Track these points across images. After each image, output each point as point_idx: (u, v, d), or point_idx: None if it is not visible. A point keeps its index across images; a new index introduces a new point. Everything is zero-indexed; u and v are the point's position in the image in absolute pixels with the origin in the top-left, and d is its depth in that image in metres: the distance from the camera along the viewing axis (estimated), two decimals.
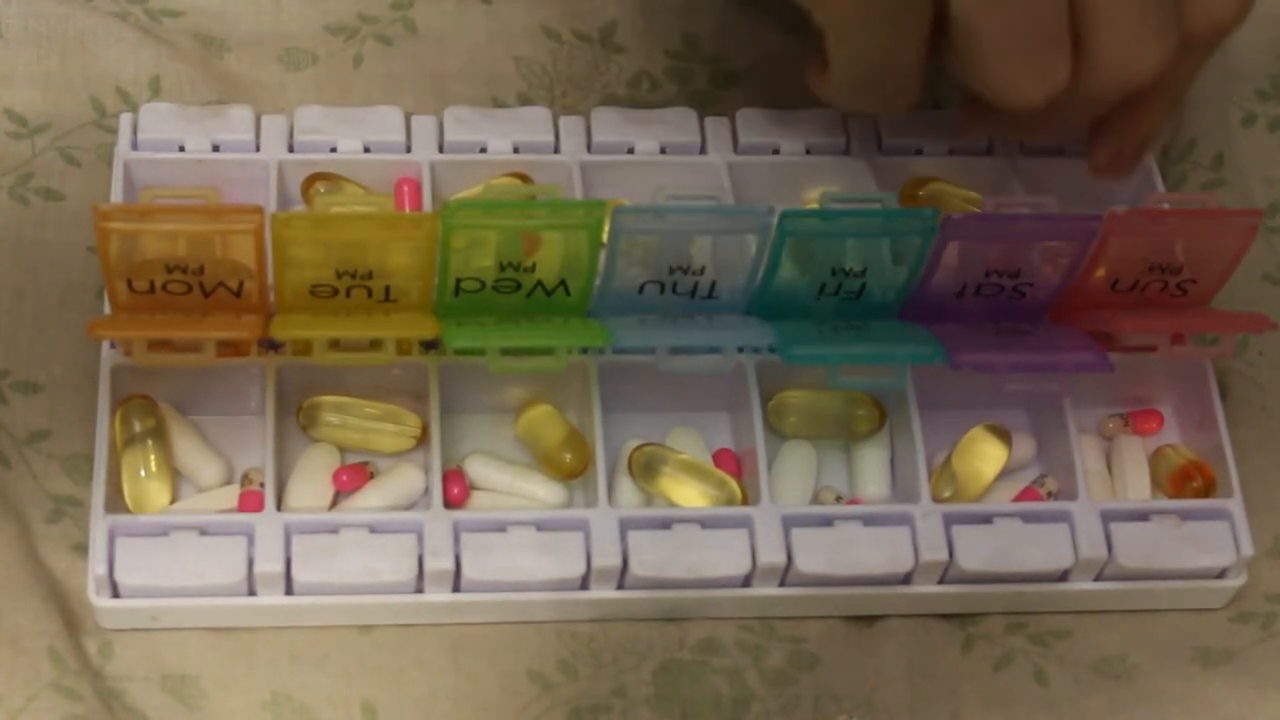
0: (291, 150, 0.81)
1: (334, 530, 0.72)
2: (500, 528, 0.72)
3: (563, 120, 0.83)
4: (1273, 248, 0.87)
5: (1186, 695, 0.73)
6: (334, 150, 0.81)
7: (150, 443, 0.74)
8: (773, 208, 0.71)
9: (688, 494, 0.75)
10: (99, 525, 0.71)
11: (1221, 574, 0.76)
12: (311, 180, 0.80)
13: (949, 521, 0.74)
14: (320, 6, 0.87)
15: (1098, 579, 0.75)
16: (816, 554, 0.73)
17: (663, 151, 0.82)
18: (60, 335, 0.78)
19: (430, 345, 0.75)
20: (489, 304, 0.73)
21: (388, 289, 0.71)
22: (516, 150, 0.82)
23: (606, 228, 0.71)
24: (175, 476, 0.75)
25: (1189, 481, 0.77)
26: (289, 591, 0.72)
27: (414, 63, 0.87)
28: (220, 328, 0.70)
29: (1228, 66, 0.91)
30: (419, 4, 0.88)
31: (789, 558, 0.73)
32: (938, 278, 0.73)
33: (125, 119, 0.80)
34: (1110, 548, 0.75)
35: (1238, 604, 0.77)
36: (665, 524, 0.73)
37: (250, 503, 0.73)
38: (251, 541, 0.71)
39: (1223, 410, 0.78)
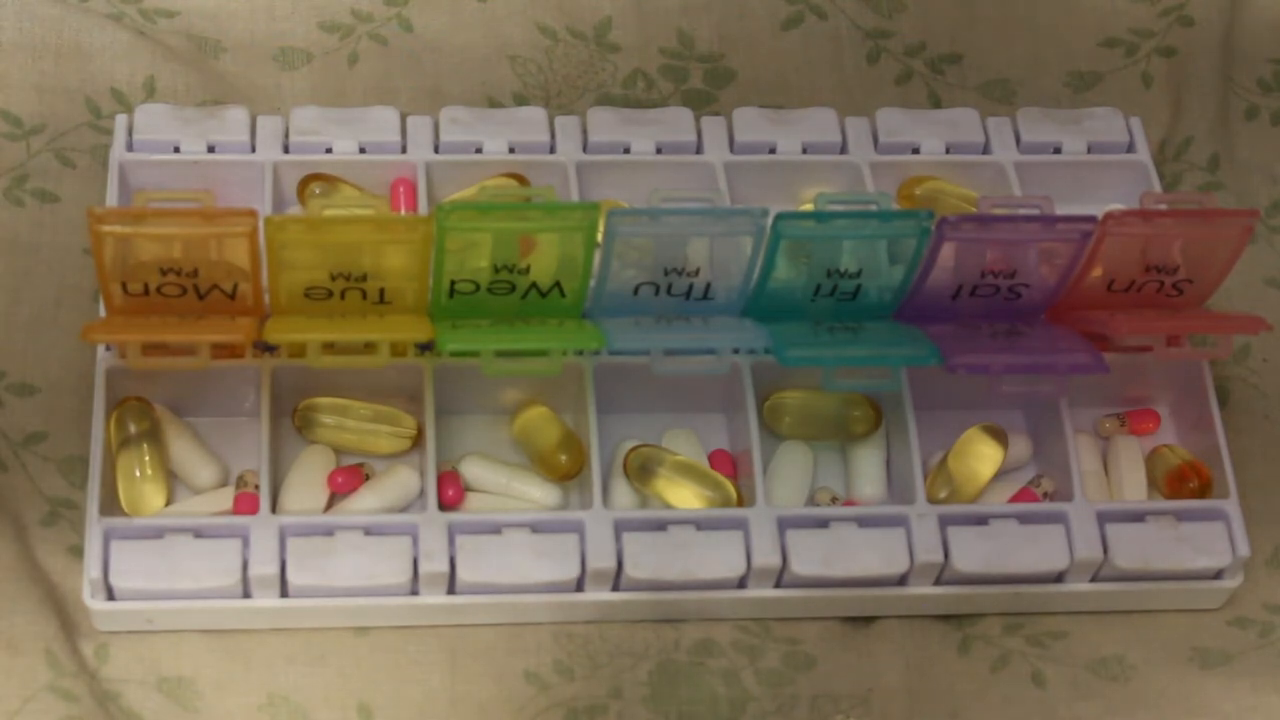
0: (287, 151, 0.81)
1: (329, 533, 0.72)
2: (495, 530, 0.72)
3: (558, 120, 0.83)
4: (1275, 249, 0.86)
5: (1184, 696, 0.73)
6: (329, 151, 0.81)
7: (145, 445, 0.74)
8: (768, 210, 0.71)
9: (683, 495, 0.75)
10: (94, 528, 0.71)
11: (1218, 575, 0.76)
12: (307, 181, 0.80)
13: (945, 523, 0.74)
14: (314, 4, 0.87)
15: (1094, 580, 0.75)
16: (812, 556, 0.73)
17: (659, 151, 0.82)
18: (56, 338, 0.78)
19: (426, 346, 0.75)
20: (483, 306, 0.72)
21: (382, 291, 0.71)
22: (512, 151, 0.82)
23: (601, 229, 0.70)
24: (171, 479, 0.75)
25: (1185, 482, 0.77)
26: (284, 594, 0.72)
27: (409, 62, 0.87)
28: (215, 330, 0.70)
29: (1230, 51, 0.91)
30: (414, 2, 0.88)
31: (784, 559, 0.73)
32: (933, 279, 0.73)
33: (120, 120, 0.80)
34: (1106, 549, 0.75)
35: (1235, 608, 0.77)
36: (660, 526, 0.73)
37: (245, 505, 0.73)
38: (247, 544, 0.71)
39: (1221, 415, 0.78)
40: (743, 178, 0.82)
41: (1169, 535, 0.75)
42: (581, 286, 0.72)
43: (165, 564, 0.70)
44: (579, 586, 0.73)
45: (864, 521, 0.74)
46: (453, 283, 0.71)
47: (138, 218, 0.68)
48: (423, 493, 0.74)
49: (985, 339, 0.74)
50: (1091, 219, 0.72)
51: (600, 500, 0.73)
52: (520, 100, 0.86)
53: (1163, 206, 0.74)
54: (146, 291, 0.71)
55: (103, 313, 0.72)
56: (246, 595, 0.72)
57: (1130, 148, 0.85)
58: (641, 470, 0.76)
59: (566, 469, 0.75)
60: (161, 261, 0.70)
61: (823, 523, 0.74)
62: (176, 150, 0.80)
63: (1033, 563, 0.74)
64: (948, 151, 0.84)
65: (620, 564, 0.72)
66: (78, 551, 0.73)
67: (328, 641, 0.73)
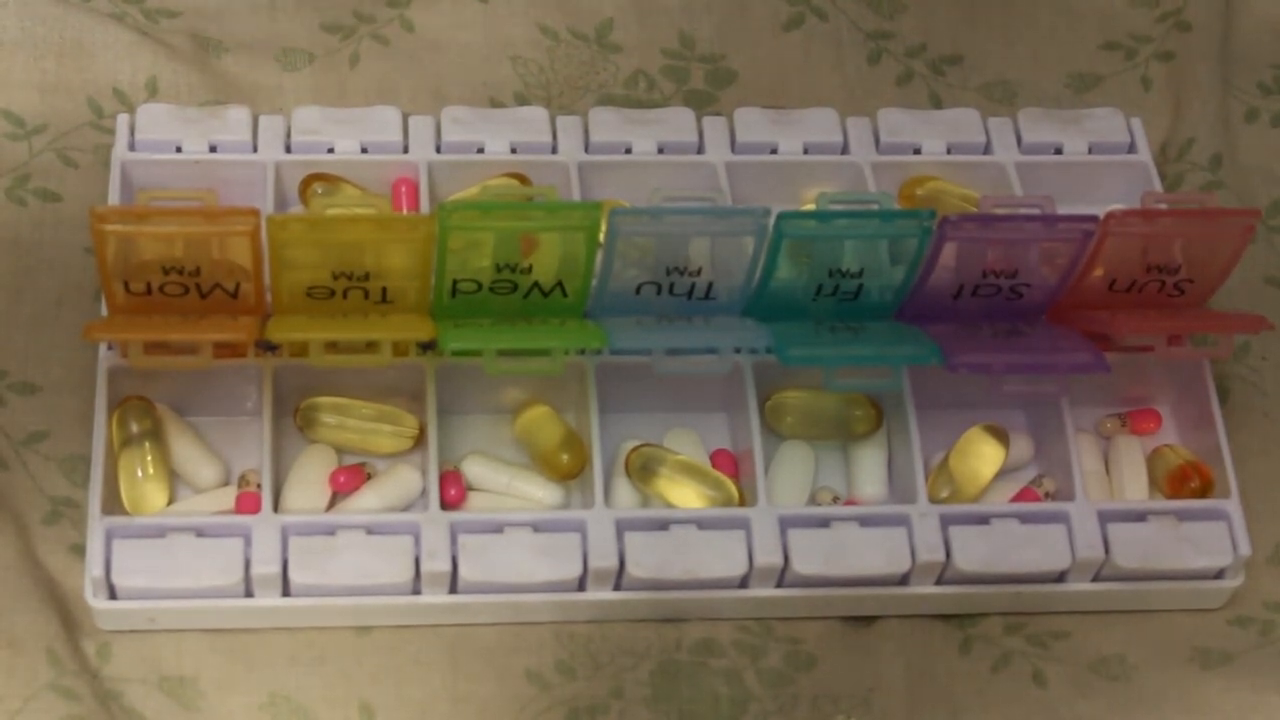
0: (289, 151, 0.81)
1: (331, 532, 0.72)
2: (497, 529, 0.72)
3: (560, 120, 0.83)
4: (1275, 249, 0.86)
5: (1184, 696, 0.73)
6: (331, 151, 0.81)
7: (147, 444, 0.74)
8: (769, 209, 0.71)
9: (685, 495, 0.75)
10: (96, 527, 0.71)
11: (1219, 574, 0.76)
12: (309, 181, 0.80)
13: (946, 522, 0.74)
14: (316, 5, 0.87)
15: (1095, 579, 0.75)
16: (813, 555, 0.73)
17: (660, 151, 0.82)
18: (58, 337, 0.78)
19: (428, 345, 0.75)
20: (486, 305, 0.73)
21: (384, 290, 0.71)
22: (514, 150, 0.82)
23: (603, 229, 0.70)
24: (172, 478, 0.75)
25: (1187, 482, 0.77)
26: (286, 593, 0.72)
27: (411, 62, 0.87)
28: (217, 330, 0.70)
29: (1228, 55, 0.91)
30: (416, 3, 0.88)
31: (786, 559, 0.73)
32: (935, 278, 0.73)
33: (122, 120, 0.80)
34: (1108, 548, 0.75)
35: (1236, 607, 0.77)
36: (662, 525, 0.73)
37: (247, 504, 0.74)
38: (249, 543, 0.71)
39: (1222, 414, 0.78)
40: (744, 177, 0.82)
41: (1170, 535, 0.75)
42: (583, 286, 0.72)
43: (167, 563, 0.70)
44: (581, 586, 0.73)
45: (865, 521, 0.74)
46: (455, 282, 0.71)
47: (140, 217, 0.68)
48: (424, 492, 0.74)
49: (986, 339, 0.74)
50: (1093, 219, 0.72)
51: (602, 499, 0.73)
52: (522, 100, 0.86)
53: (1164, 206, 0.74)
54: (148, 290, 0.71)
55: (104, 312, 0.72)
56: (248, 594, 0.72)
57: (1131, 148, 0.85)
58: (643, 470, 0.76)
59: (568, 468, 0.75)
60: (163, 260, 0.70)
61: (824, 522, 0.74)
62: (178, 150, 0.80)
63: (1034, 562, 0.74)
64: (949, 152, 0.84)
65: (622, 563, 0.72)
66: (79, 550, 0.73)
67: (329, 641, 0.73)
